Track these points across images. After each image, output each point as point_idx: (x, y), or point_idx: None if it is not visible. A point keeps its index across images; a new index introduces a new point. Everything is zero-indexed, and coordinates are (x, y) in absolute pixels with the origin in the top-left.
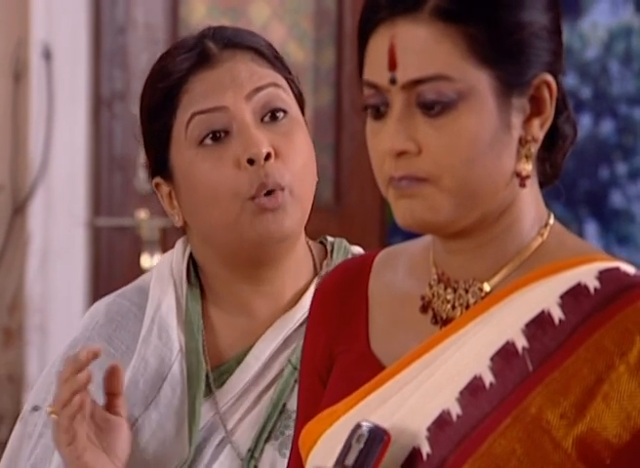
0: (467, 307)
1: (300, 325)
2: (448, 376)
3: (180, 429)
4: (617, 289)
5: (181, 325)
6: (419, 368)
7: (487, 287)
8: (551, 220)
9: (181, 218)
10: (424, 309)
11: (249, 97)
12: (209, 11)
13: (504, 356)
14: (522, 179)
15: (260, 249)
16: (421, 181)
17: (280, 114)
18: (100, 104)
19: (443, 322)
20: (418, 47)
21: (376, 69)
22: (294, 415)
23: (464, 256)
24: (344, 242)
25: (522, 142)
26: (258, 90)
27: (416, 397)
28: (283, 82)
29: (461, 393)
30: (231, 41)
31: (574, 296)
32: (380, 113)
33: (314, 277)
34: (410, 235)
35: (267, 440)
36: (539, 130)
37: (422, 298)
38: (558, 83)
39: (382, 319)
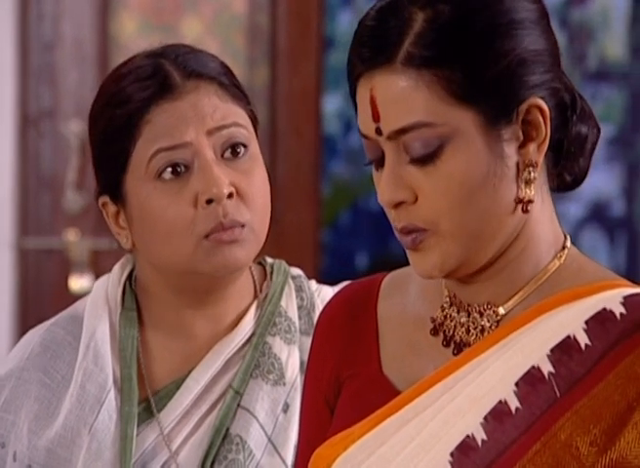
0: (482, 331)
1: (240, 348)
2: (470, 401)
3: (117, 457)
4: None
5: (116, 352)
6: (438, 392)
7: (502, 310)
8: (568, 243)
9: (130, 241)
10: (435, 331)
11: (210, 132)
12: (139, 27)
13: (530, 381)
14: (524, 205)
15: (211, 279)
16: (422, 232)
17: (241, 149)
18: (27, 123)
19: (456, 345)
20: (395, 97)
21: (363, 121)
22: (236, 439)
23: (479, 283)
24: (284, 263)
25: (520, 168)
26: (220, 128)
27: (436, 422)
28: (244, 116)
29: (486, 418)
30: (195, 71)
31: (599, 322)
32: (380, 163)
33: (254, 299)
34: (347, 257)
35: (212, 465)
36: (536, 153)
37: (433, 321)
38: (563, 87)
39: (394, 342)
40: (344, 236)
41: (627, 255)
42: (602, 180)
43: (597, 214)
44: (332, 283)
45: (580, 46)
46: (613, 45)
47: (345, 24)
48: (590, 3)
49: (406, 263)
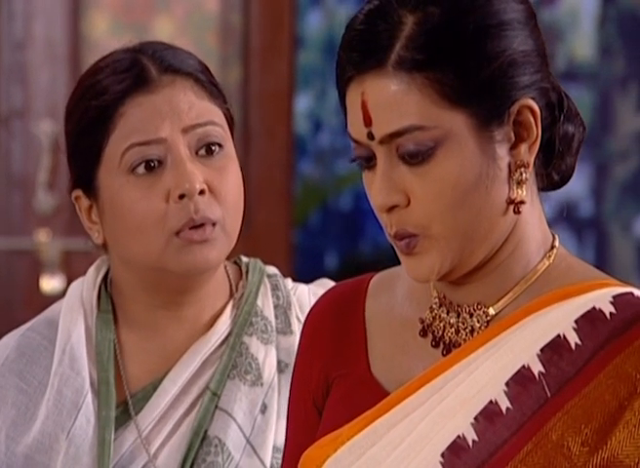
0: (472, 331)
1: (217, 348)
2: (460, 402)
3: (95, 461)
4: (634, 314)
5: (92, 355)
6: (427, 393)
7: (492, 311)
8: (557, 243)
9: (102, 236)
10: (424, 332)
11: (186, 130)
12: (111, 26)
13: (520, 381)
14: (516, 206)
15: (182, 279)
16: (414, 237)
17: (216, 148)
18: None
19: (445, 345)
20: (387, 101)
21: (354, 126)
22: (215, 441)
23: (470, 284)
24: (259, 262)
25: (511, 169)
26: (195, 126)
27: (426, 422)
28: (220, 115)
29: (476, 418)
30: (171, 66)
31: (589, 321)
32: (370, 164)
33: (230, 299)
34: (317, 257)
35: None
36: (527, 154)
37: (422, 321)
38: (550, 87)
39: (382, 342)
40: (314, 236)
41: (596, 256)
42: (570, 181)
43: (566, 215)
44: (302, 283)
45: (549, 46)
46: (581, 45)
47: (315, 24)
48: (559, 3)
49: (375, 263)
